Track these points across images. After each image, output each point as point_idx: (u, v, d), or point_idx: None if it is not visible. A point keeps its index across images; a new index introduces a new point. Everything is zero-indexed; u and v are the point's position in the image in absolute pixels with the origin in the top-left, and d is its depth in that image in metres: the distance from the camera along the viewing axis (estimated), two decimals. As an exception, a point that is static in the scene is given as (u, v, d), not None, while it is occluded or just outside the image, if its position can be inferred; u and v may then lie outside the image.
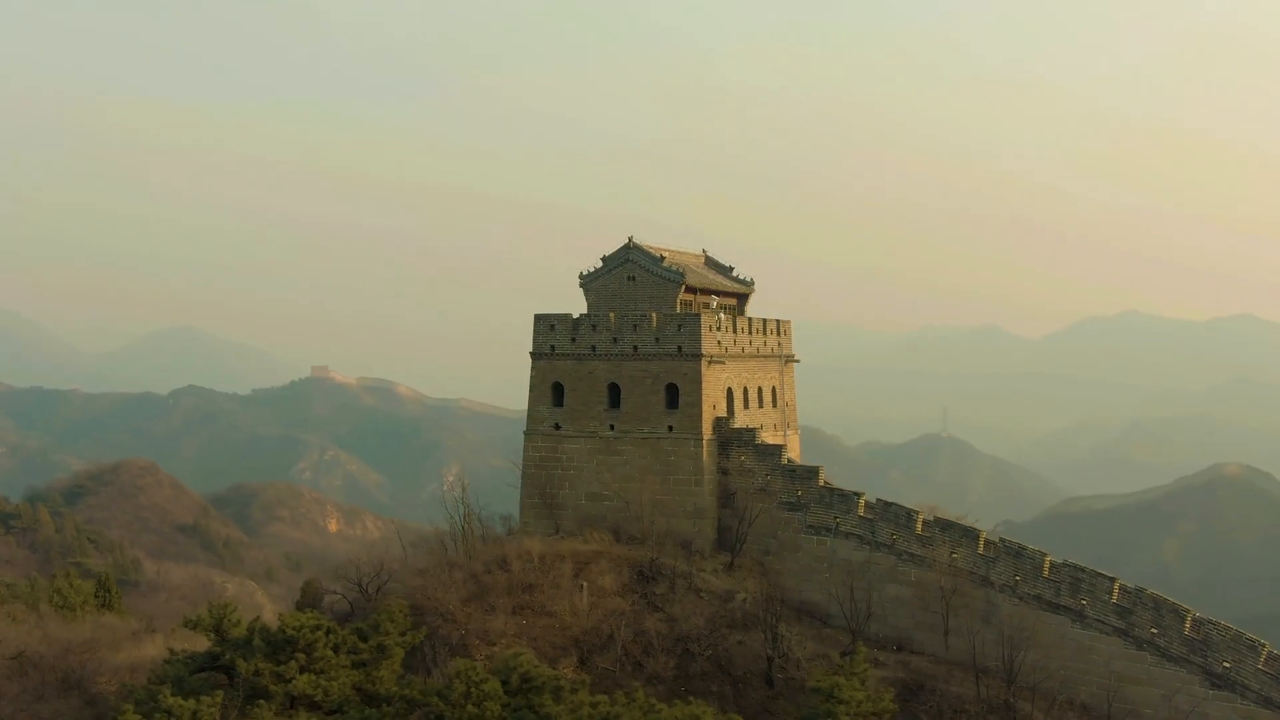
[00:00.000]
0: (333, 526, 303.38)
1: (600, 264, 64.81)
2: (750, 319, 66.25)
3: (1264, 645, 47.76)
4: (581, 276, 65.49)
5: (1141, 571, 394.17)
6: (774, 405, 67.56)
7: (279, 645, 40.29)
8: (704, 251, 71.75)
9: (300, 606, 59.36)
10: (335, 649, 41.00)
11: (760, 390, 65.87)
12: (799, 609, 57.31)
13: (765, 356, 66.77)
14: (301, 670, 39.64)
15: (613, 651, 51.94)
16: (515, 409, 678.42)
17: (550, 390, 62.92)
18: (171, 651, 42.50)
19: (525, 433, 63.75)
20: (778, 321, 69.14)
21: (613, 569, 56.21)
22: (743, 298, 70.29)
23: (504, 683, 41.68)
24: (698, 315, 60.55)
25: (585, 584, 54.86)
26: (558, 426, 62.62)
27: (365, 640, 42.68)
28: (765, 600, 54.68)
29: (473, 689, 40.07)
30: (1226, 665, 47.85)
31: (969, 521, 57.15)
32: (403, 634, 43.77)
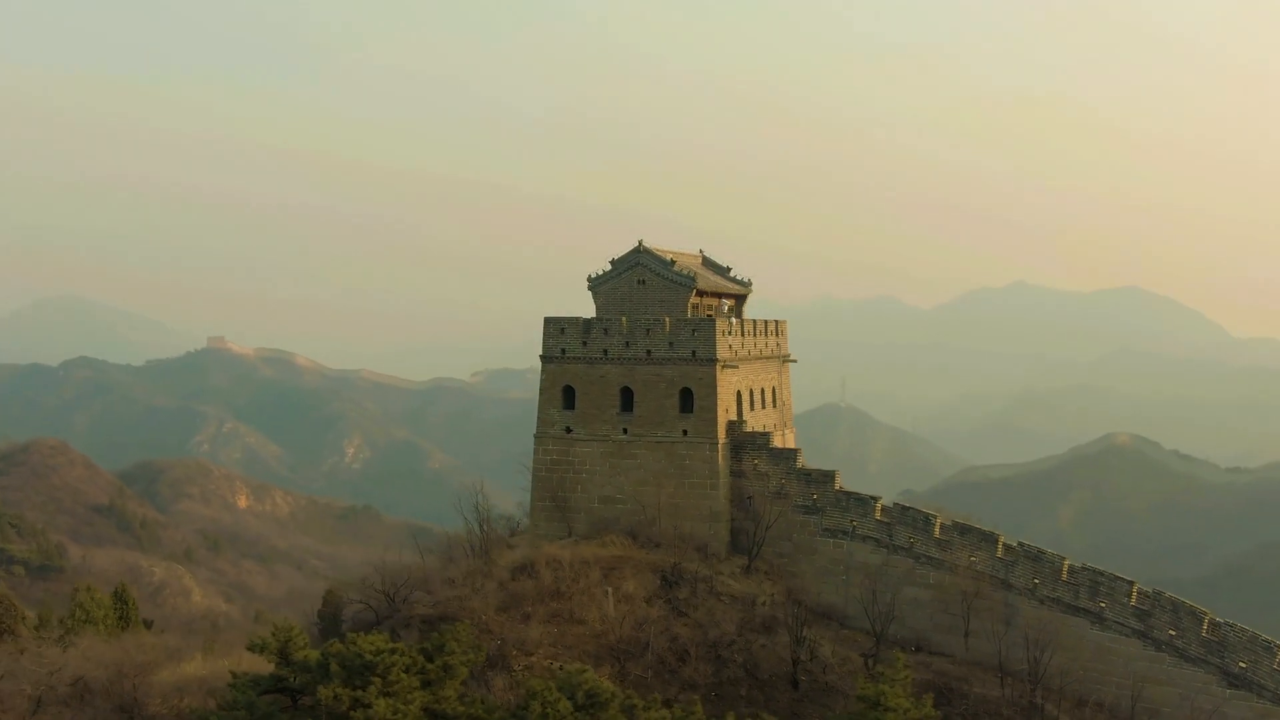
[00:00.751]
0: (242, 502, 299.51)
1: (609, 267, 64.89)
2: (754, 321, 66.93)
3: (1279, 646, 49.90)
4: (590, 279, 65.53)
5: (1039, 540, 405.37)
6: (774, 405, 68.44)
7: (356, 670, 40.05)
8: (700, 251, 72.17)
9: (323, 617, 58.84)
10: (406, 670, 40.91)
11: (763, 391, 66.68)
12: (815, 610, 58.31)
13: (767, 358, 67.58)
14: (380, 695, 39.49)
15: (647, 659, 52.43)
16: (418, 379, 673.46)
17: (560, 394, 62.98)
18: (234, 675, 41.99)
19: (535, 436, 63.68)
20: (776, 323, 70.00)
21: (636, 574, 56.64)
22: (741, 298, 70.88)
23: (569, 699, 41.95)
24: (713, 320, 61.13)
25: (610, 590, 55.29)
26: (569, 430, 62.72)
27: (431, 660, 42.60)
28: (790, 604, 55.68)
29: (549, 709, 40.28)
30: (1243, 665, 49.98)
31: (870, 492, 59.17)
32: (466, 652, 43.77)
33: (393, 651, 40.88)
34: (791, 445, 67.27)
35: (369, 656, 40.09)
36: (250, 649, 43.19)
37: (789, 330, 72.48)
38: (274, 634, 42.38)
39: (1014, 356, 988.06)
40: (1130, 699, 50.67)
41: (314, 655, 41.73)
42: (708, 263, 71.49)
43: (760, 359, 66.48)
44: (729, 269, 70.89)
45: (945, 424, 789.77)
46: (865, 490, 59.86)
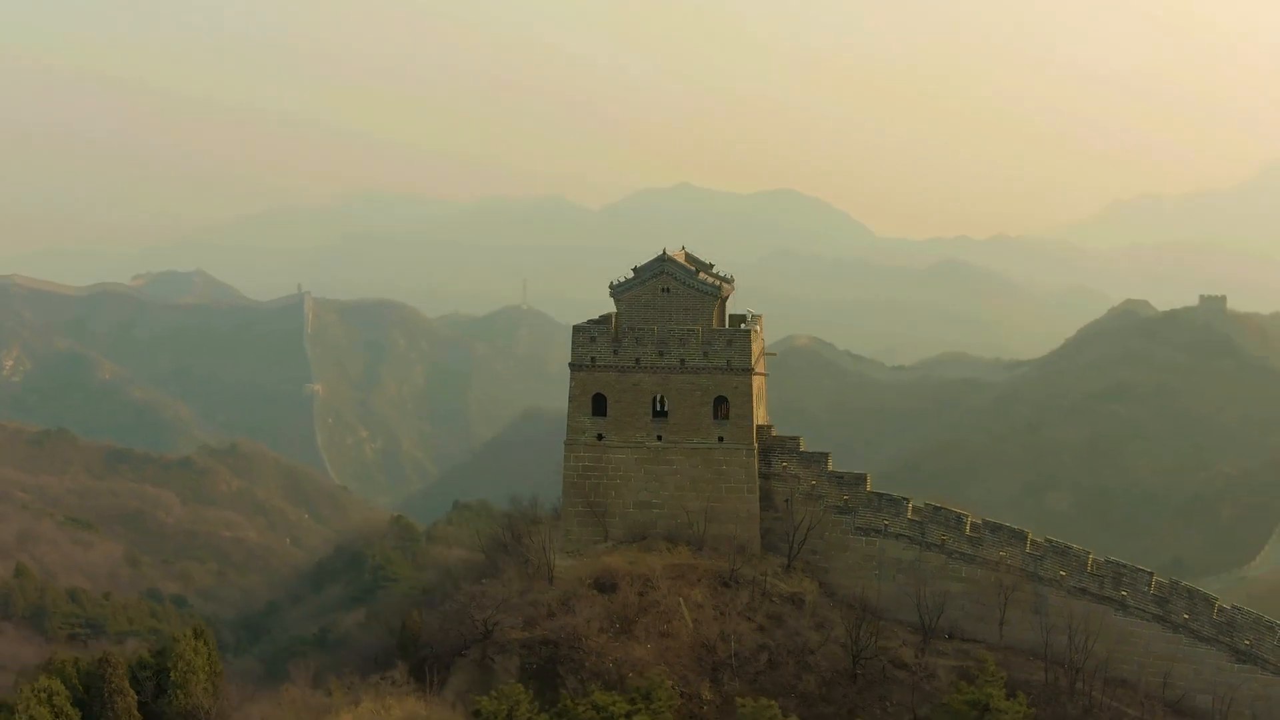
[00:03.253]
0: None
1: (631, 274, 65.87)
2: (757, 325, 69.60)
3: (1279, 625, 58.23)
4: (612, 286, 66.34)
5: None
6: (763, 401, 71.61)
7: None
8: (684, 248, 73.85)
9: (402, 645, 58.14)
10: None
11: (762, 388, 69.72)
12: (849, 604, 62.60)
13: (766, 355, 70.58)
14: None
15: (743, 669, 55.30)
16: (77, 284, 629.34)
17: (590, 401, 64.03)
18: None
19: (566, 443, 64.61)
20: (760, 316, 72.90)
21: (699, 581, 59.15)
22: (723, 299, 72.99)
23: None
24: (748, 332, 63.79)
25: (682, 600, 57.59)
26: (600, 437, 63.98)
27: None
28: (836, 601, 59.79)
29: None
30: (1248, 643, 57.93)
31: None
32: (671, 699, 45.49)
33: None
34: (763, 417, 69.95)
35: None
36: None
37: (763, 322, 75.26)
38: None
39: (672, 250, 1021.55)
40: (1148, 676, 57.99)
41: None
42: (691, 259, 73.30)
43: (764, 357, 69.47)
44: (711, 265, 72.66)
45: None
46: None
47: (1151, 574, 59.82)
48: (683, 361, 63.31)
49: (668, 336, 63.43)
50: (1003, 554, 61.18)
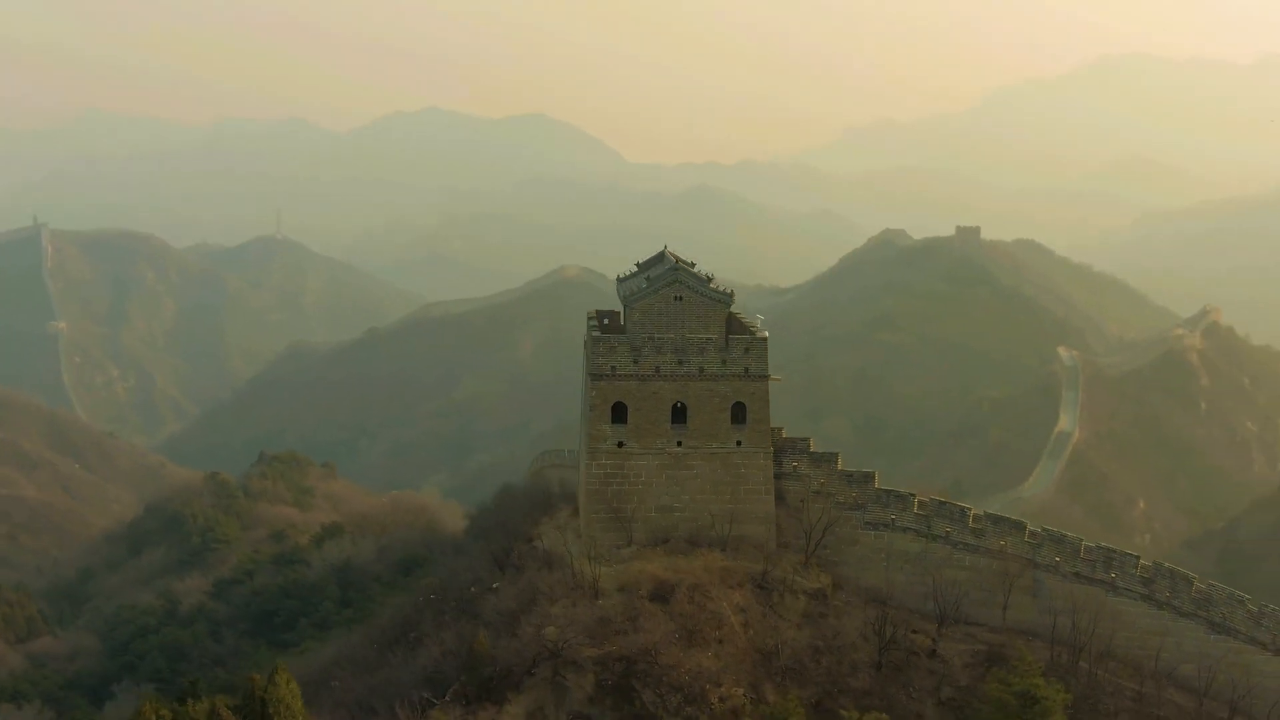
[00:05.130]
0: None
1: (645, 283, 66.76)
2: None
3: (1247, 599, 64.93)
4: (626, 296, 67.01)
5: (504, 371, 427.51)
6: None
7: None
8: (666, 248, 74.94)
9: (469, 665, 57.92)
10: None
11: None
12: (853, 591, 66.27)
13: None
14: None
15: (800, 670, 58.02)
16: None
17: (610, 410, 65.10)
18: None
19: (587, 450, 65.48)
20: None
21: (738, 584, 61.47)
22: None
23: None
24: (764, 340, 65.91)
25: (727, 604, 59.77)
26: (620, 444, 65.21)
27: None
28: (864, 593, 63.30)
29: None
30: (1222, 615, 64.53)
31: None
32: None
33: None
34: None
35: None
36: None
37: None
38: None
39: (433, 182, 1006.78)
40: (1135, 650, 64.00)
41: None
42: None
43: None
44: (709, 279, 73.89)
45: (375, 254, 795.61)
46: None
47: (1138, 557, 65.72)
48: (701, 369, 65.32)
49: (687, 345, 65.21)
50: (1003, 543, 65.97)
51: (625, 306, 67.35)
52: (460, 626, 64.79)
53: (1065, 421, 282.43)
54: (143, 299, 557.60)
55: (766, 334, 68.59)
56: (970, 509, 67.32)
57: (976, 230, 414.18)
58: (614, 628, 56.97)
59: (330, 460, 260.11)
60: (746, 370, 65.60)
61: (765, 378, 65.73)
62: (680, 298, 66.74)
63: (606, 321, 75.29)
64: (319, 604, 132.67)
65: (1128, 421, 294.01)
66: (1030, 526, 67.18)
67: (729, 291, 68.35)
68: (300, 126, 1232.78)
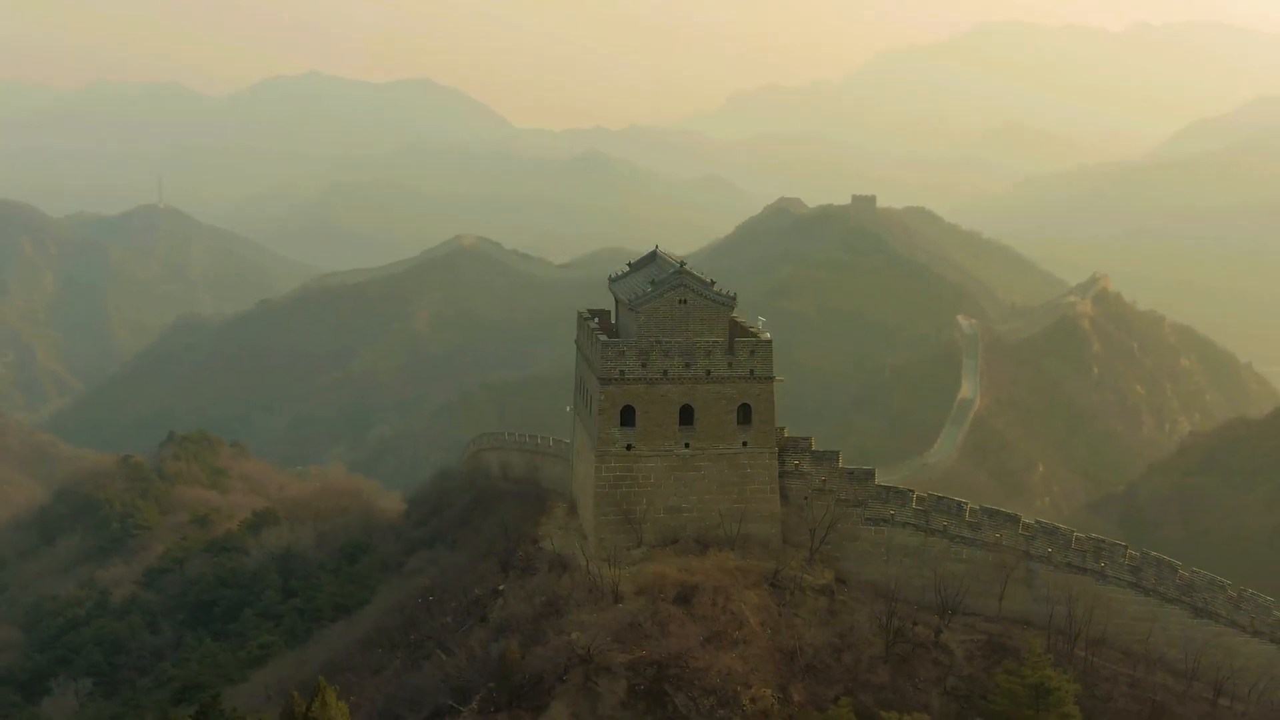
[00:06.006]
0: None
1: (650, 287, 67.30)
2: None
3: (1227, 584, 68.11)
4: (632, 299, 67.45)
5: (400, 343, 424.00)
6: None
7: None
8: (658, 248, 75.46)
9: (501, 674, 58.07)
10: None
11: None
12: (854, 585, 68.01)
13: None
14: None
15: (821, 668, 59.47)
16: None
17: (619, 413, 65.73)
18: None
19: (597, 454, 65.97)
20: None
21: (753, 584, 62.70)
22: None
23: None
24: (769, 342, 67.19)
25: (744, 605, 60.96)
26: (629, 447, 65.93)
27: None
28: (866, 588, 64.99)
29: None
30: (1203, 600, 67.62)
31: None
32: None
33: None
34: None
35: None
36: None
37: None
38: None
39: (316, 150, 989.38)
40: (1124, 636, 66.81)
41: None
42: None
43: None
44: (712, 283, 74.13)
45: (259, 224, 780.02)
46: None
47: (1126, 547, 68.50)
48: (709, 372, 66.32)
49: (694, 348, 66.13)
50: (998, 535, 68.27)
51: (630, 309, 67.89)
52: (479, 632, 64.99)
53: (967, 389, 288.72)
54: (20, 271, 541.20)
55: (769, 336, 69.72)
56: (967, 503, 69.42)
57: (872, 199, 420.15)
58: (643, 632, 57.69)
59: (238, 440, 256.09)
60: (752, 372, 66.77)
61: (770, 379, 66.96)
62: (685, 301, 67.57)
63: (598, 321, 75.77)
64: (260, 593, 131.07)
65: (1026, 388, 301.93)
66: (1024, 519, 69.52)
67: (732, 294, 69.32)
68: (176, 91, 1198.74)
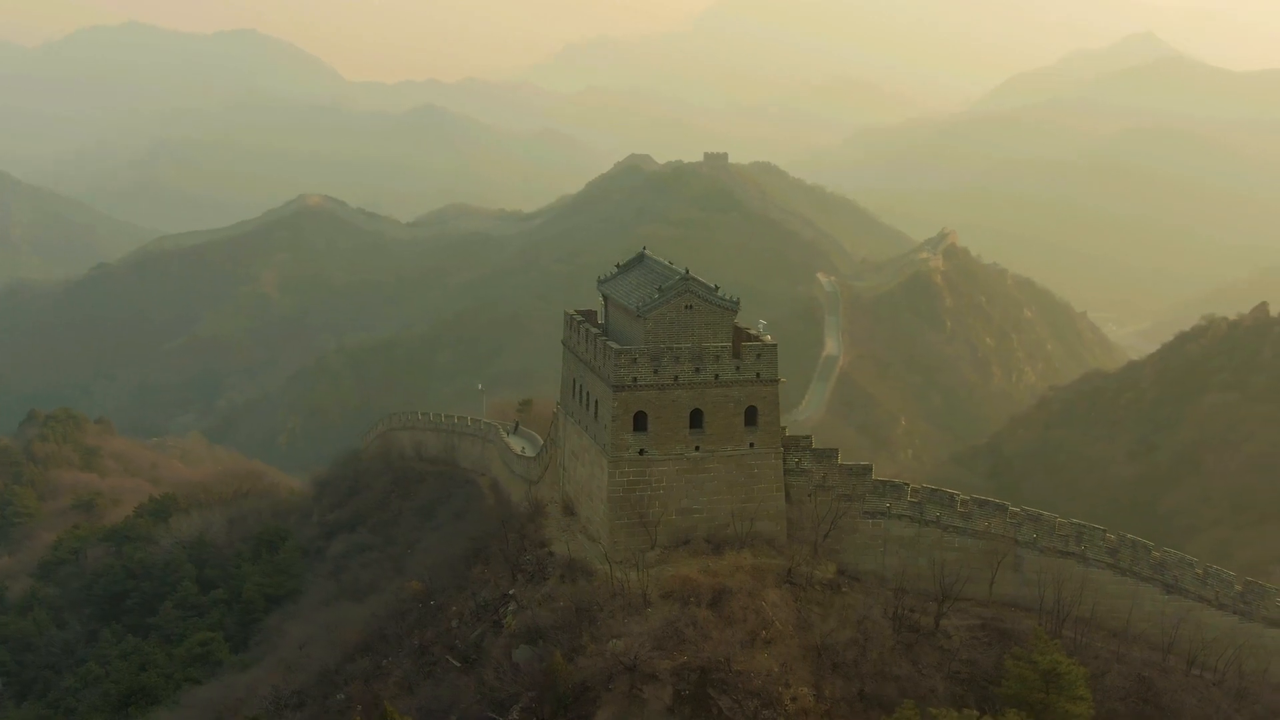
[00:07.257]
0: None
1: (658, 294, 67.96)
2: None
3: (1194, 561, 72.58)
4: (639, 306, 67.98)
5: (246, 308, 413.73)
6: None
7: None
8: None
9: (548, 684, 58.34)
10: None
11: None
12: (854, 576, 70.44)
13: None
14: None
15: (850, 663, 61.45)
16: None
17: (631, 419, 66.56)
18: None
19: (611, 460, 66.63)
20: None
21: (773, 583, 64.37)
22: None
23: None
24: (774, 346, 68.80)
25: (766, 604, 62.61)
26: (642, 451, 66.85)
27: None
28: (867, 579, 67.43)
29: None
30: (1175, 577, 72.00)
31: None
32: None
33: None
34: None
35: None
36: None
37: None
38: None
39: (137, 104, 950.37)
40: (1102, 614, 70.74)
41: None
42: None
43: None
44: (716, 288, 74.07)
45: (79, 182, 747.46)
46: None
47: (1104, 530, 72.43)
48: (717, 376, 67.64)
49: (703, 354, 67.33)
50: (988, 524, 71.48)
51: (637, 316, 68.47)
52: (496, 639, 65.34)
53: (831, 345, 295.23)
54: None
55: (771, 338, 71.33)
56: (958, 495, 72.39)
57: (724, 156, 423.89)
58: (683, 637, 58.88)
59: (103, 416, 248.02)
60: (758, 375, 68.41)
61: (775, 381, 68.72)
62: (690, 306, 68.62)
63: (584, 320, 76.37)
64: (176, 585, 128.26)
65: (884, 343, 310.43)
66: (1011, 507, 72.87)
67: (735, 299, 70.64)
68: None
